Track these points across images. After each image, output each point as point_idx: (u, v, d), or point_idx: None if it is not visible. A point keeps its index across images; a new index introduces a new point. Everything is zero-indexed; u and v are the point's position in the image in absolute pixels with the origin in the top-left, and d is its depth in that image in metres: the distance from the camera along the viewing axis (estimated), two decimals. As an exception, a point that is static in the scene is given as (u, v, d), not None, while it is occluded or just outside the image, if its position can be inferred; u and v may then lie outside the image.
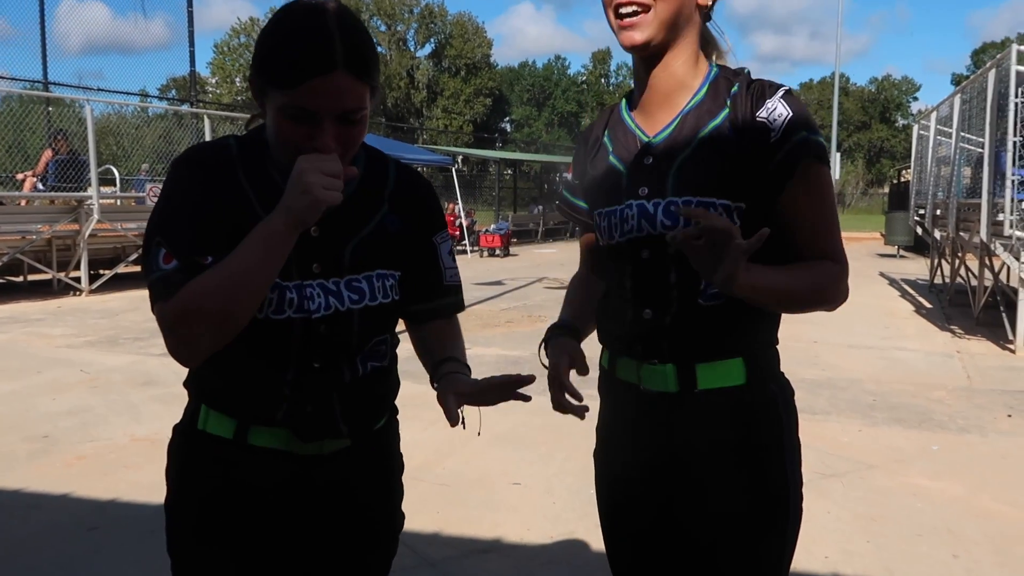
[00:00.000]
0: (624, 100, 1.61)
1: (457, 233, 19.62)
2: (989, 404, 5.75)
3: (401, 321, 1.58)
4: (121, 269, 12.20)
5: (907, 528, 3.57)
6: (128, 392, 5.88)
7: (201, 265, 1.29)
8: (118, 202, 13.15)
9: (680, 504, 1.51)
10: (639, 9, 1.39)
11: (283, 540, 1.48)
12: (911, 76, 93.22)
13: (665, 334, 1.47)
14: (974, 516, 3.72)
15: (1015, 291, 7.92)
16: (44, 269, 11.39)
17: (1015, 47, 7.67)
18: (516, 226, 23.42)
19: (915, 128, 16.12)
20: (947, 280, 12.09)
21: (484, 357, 6.99)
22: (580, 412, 1.49)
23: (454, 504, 3.43)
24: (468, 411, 1.45)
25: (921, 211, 14.45)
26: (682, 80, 1.47)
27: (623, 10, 1.40)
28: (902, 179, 27.27)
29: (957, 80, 60.44)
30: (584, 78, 69.61)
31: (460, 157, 28.12)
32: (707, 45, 1.53)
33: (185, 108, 16.23)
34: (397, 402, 1.61)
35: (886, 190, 44.36)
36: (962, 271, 11.25)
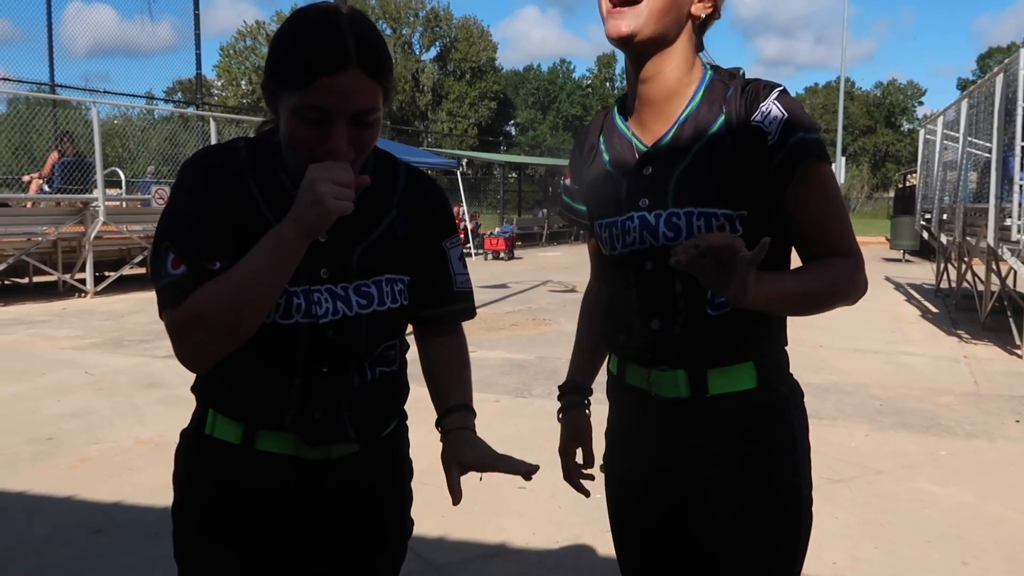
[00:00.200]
0: (617, 106, 1.58)
1: (462, 236, 19.61)
2: (997, 409, 5.72)
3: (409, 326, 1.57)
4: (126, 271, 12.23)
5: (916, 534, 3.54)
6: (133, 394, 5.88)
7: (209, 271, 1.27)
8: (124, 204, 13.17)
9: (691, 509, 1.49)
10: None
11: (290, 546, 1.46)
12: (916, 81, 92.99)
13: (674, 344, 1.46)
14: (983, 523, 3.69)
15: (1022, 296, 7.88)
16: (49, 271, 11.41)
17: (1023, 52, 7.64)
18: (520, 229, 23.41)
19: (921, 133, 16.08)
20: (953, 285, 12.06)
21: (488, 360, 6.98)
22: (584, 493, 1.68)
23: (459, 508, 3.42)
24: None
25: (927, 215, 14.42)
26: (675, 87, 1.44)
27: None
28: (907, 183, 27.23)
29: (963, 85, 60.33)
30: (589, 82, 69.61)
31: (465, 160, 28.14)
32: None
33: (191, 111, 16.26)
34: None
35: (891, 194, 44.31)
36: (968, 276, 11.22)
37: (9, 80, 14.89)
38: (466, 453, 1.44)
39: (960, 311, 10.76)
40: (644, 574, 1.61)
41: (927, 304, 11.67)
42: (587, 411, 1.74)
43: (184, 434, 1.51)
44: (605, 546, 3.28)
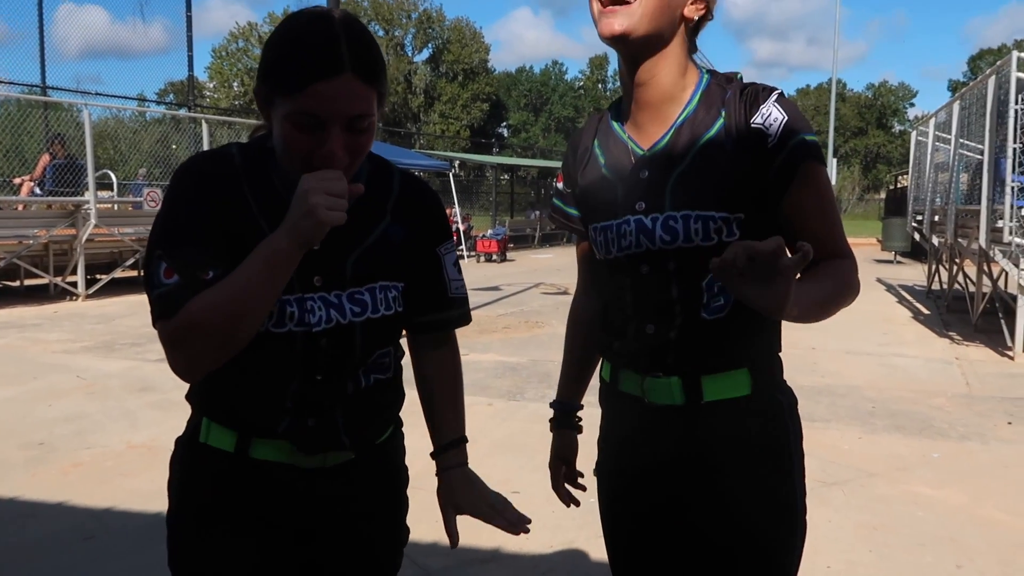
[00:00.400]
0: (612, 109, 1.58)
1: (455, 238, 19.61)
2: (989, 411, 5.74)
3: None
4: (118, 274, 12.17)
5: (910, 537, 3.55)
6: (125, 398, 5.85)
7: (203, 280, 1.26)
8: (115, 207, 13.12)
9: (689, 515, 1.49)
10: None
11: (286, 555, 1.45)
12: (908, 82, 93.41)
13: (670, 349, 1.45)
14: (977, 525, 3.70)
15: (1014, 298, 7.92)
16: (40, 274, 11.36)
17: (1015, 54, 7.67)
18: (513, 231, 23.43)
19: (913, 134, 16.15)
20: (945, 286, 12.10)
21: (481, 363, 6.98)
22: (571, 503, 1.82)
23: (454, 513, 3.41)
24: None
25: (919, 217, 14.47)
26: (671, 90, 1.44)
27: None
28: (899, 185, 27.34)
29: (954, 87, 60.61)
30: (581, 84, 69.67)
31: (457, 162, 28.12)
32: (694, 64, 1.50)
33: (183, 112, 16.21)
34: None
35: (882, 196, 44.48)
36: (960, 277, 11.25)
37: (0, 82, 14.83)
38: (464, 497, 1.55)
39: (952, 313, 10.80)
40: None
41: (919, 306, 11.71)
42: (576, 430, 1.79)
43: (179, 442, 1.50)
44: (598, 551, 3.28)
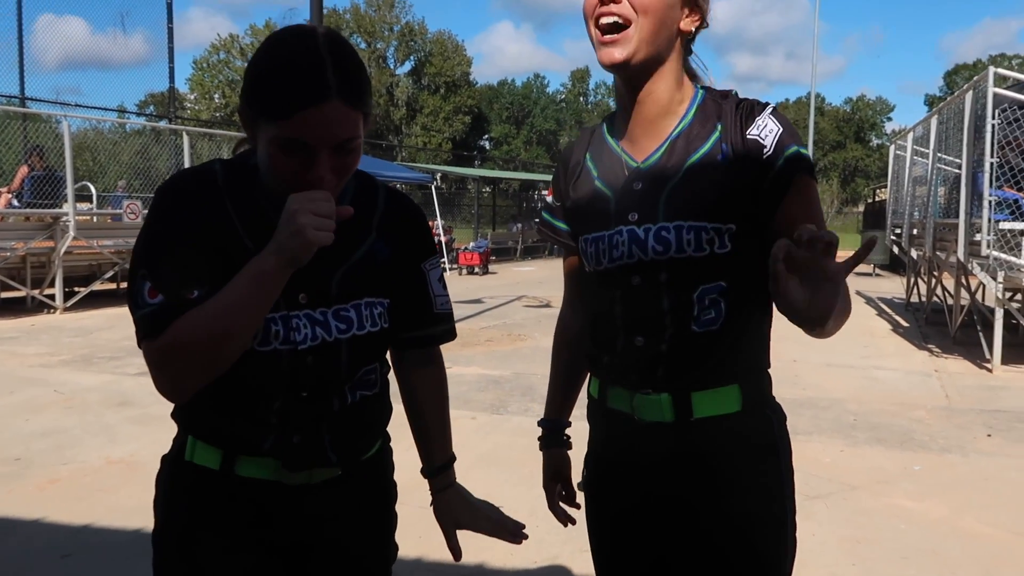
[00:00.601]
0: (605, 123, 1.58)
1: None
2: (969, 424, 5.78)
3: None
4: (97, 286, 12.06)
5: (893, 551, 3.56)
6: (104, 413, 5.78)
7: (188, 300, 1.25)
8: (94, 219, 13.01)
9: (675, 534, 1.48)
10: (620, 22, 1.38)
11: (273, 573, 1.44)
12: (885, 97, 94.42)
13: (660, 362, 1.45)
14: (959, 538, 3.72)
15: (992, 310, 8.00)
16: (18, 287, 11.22)
17: (992, 70, 7.78)
18: (495, 244, 23.42)
19: (891, 148, 16.30)
20: (923, 299, 12.20)
21: (464, 376, 6.96)
22: (567, 522, 1.78)
23: (436, 529, 3.40)
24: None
25: (898, 230, 14.60)
26: (667, 105, 1.45)
27: (603, 20, 1.39)
28: (877, 198, 27.58)
29: (930, 101, 61.40)
30: (563, 96, 69.99)
31: (439, 175, 28.13)
32: (692, 77, 1.52)
33: (164, 124, 16.12)
34: None
35: (861, 209, 44.86)
36: (938, 290, 11.36)
37: (-22, 93, 14.70)
38: (463, 515, 1.62)
39: (930, 325, 10.90)
40: None
41: (898, 318, 11.80)
42: (566, 447, 1.78)
43: (164, 460, 1.49)
44: (583, 566, 3.27)
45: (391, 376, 1.57)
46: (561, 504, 1.79)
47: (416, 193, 23.93)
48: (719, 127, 1.42)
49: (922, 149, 12.06)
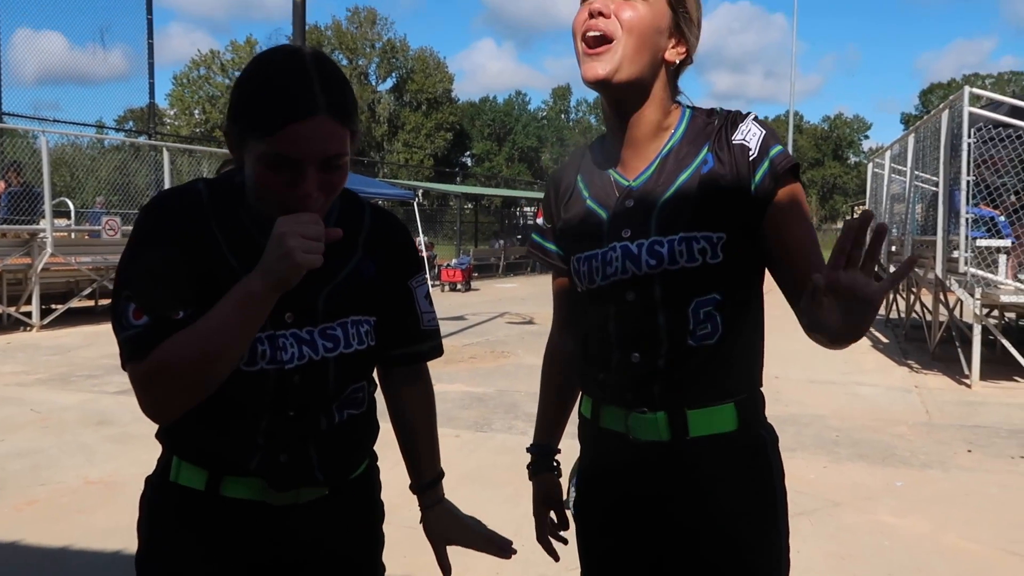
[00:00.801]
0: (595, 145, 1.59)
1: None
2: (949, 439, 5.82)
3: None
4: (75, 304, 11.92)
5: (877, 567, 3.57)
6: (81, 432, 5.70)
7: (174, 320, 1.24)
8: (72, 235, 12.89)
9: (671, 556, 1.47)
10: (604, 37, 1.39)
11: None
12: (862, 115, 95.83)
13: (656, 378, 1.44)
14: (942, 553, 3.73)
15: (970, 326, 8.07)
16: (-7, 304, 11.09)
17: (967, 89, 7.89)
18: (477, 260, 23.42)
19: (869, 166, 16.49)
20: (903, 315, 12.30)
21: (448, 394, 6.93)
22: (554, 557, 1.76)
23: (422, 548, 3.37)
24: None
25: (876, 247, 14.69)
26: (656, 128, 1.47)
27: (590, 34, 1.40)
28: (855, 215, 27.85)
29: (906, 119, 62.17)
30: (544, 114, 70.33)
31: (421, 191, 28.13)
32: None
33: (143, 140, 16.03)
34: None
35: (839, 226, 45.27)
36: (917, 306, 11.45)
37: (-46, 108, 14.55)
38: (454, 531, 1.61)
39: (910, 341, 10.98)
40: None
41: (877, 334, 11.88)
42: (556, 473, 1.76)
43: (148, 481, 1.47)
44: (570, 584, 3.24)
45: (378, 394, 1.56)
46: (550, 536, 1.76)
47: (398, 210, 23.87)
48: (707, 145, 1.44)
49: (899, 167, 12.19)
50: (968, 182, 7.72)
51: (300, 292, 1.34)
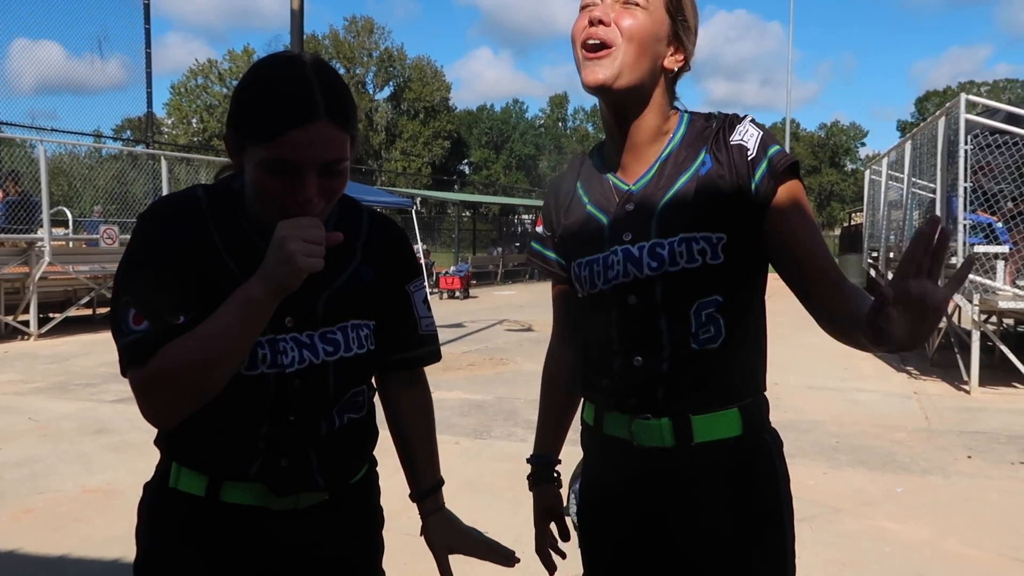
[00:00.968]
0: (595, 152, 1.60)
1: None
2: (949, 445, 5.81)
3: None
4: (73, 312, 11.91)
5: (878, 573, 3.55)
6: (79, 441, 5.68)
7: (174, 326, 1.23)
8: (70, 244, 12.88)
9: (677, 563, 1.47)
10: (604, 44, 1.39)
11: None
12: (858, 122, 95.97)
13: (660, 382, 1.44)
14: (943, 560, 3.72)
15: (968, 333, 8.07)
16: (-9, 313, 11.07)
17: (964, 97, 7.91)
18: (475, 268, 23.43)
19: (867, 173, 16.53)
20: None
21: (447, 401, 6.92)
22: (551, 569, 1.74)
23: (421, 556, 3.36)
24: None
25: (875, 253, 14.76)
26: (654, 135, 1.47)
27: (590, 41, 1.40)
28: (853, 222, 27.87)
29: (903, 126, 62.38)
30: (542, 121, 70.50)
31: (419, 199, 28.14)
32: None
33: (140, 149, 16.03)
34: None
35: (837, 233, 45.34)
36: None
37: (-48, 118, 14.54)
38: (455, 539, 1.60)
39: (908, 347, 10.96)
40: None
41: (876, 340, 11.88)
42: (557, 484, 1.75)
43: (147, 487, 1.46)
44: (570, 592, 3.23)
45: (376, 400, 1.56)
46: (549, 548, 1.74)
47: (396, 217, 23.88)
48: (706, 146, 1.44)
49: (896, 174, 12.23)
50: (965, 188, 7.73)
51: (300, 296, 1.34)
